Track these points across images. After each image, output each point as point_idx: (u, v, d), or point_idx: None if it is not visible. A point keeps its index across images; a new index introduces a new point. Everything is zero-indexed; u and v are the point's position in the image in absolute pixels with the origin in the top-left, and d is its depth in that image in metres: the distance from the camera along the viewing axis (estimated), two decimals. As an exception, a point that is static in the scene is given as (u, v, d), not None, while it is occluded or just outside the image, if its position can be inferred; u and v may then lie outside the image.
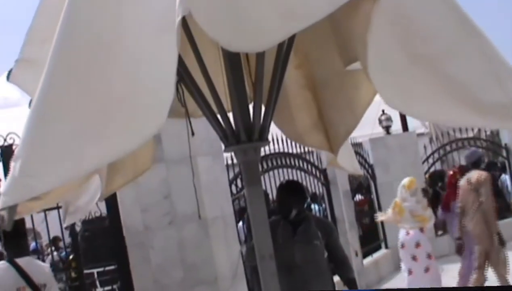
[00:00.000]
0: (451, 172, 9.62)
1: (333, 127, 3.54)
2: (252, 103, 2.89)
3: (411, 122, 15.92)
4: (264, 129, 2.87)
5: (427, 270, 8.44)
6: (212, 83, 2.85)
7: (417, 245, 8.42)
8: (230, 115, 2.92)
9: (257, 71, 2.83)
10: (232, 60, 2.87)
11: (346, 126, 3.46)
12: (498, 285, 7.91)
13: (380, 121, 12.84)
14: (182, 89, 3.11)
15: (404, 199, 8.49)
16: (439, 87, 2.15)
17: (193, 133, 3.42)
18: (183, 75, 2.94)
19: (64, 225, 3.45)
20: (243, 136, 2.83)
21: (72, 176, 2.27)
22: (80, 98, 1.98)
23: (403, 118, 13.65)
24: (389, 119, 12.58)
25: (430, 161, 13.96)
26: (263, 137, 2.86)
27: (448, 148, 14.12)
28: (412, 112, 2.44)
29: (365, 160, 12.56)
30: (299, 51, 3.41)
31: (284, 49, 2.88)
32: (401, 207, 8.51)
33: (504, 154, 14.05)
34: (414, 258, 8.45)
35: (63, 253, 9.04)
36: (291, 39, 2.89)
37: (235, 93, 2.86)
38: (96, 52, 1.99)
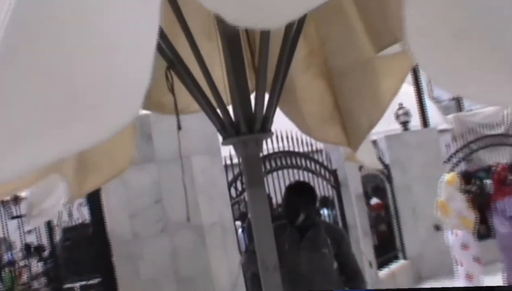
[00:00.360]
0: (498, 168, 9.53)
1: (354, 120, 3.57)
2: (254, 91, 2.90)
3: (432, 117, 15.93)
4: (267, 120, 2.87)
5: (469, 277, 8.42)
6: (206, 68, 2.85)
7: (465, 247, 8.42)
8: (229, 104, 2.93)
9: (261, 54, 2.83)
10: (231, 42, 2.87)
11: (370, 119, 3.48)
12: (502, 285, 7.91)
13: (397, 116, 12.83)
14: (172, 76, 3.13)
15: (450, 197, 8.44)
16: (493, 63, 2.14)
17: (179, 127, 3.41)
18: (173, 60, 2.95)
19: (27, 229, 3.50)
20: (243, 127, 2.84)
21: (29, 166, 2.27)
22: (44, 79, 1.96)
23: (422, 113, 13.65)
24: (407, 114, 12.57)
25: (454, 160, 13.93)
26: (265, 129, 2.87)
27: (474, 146, 14.10)
28: (461, 91, 2.43)
29: (380, 159, 12.55)
30: (315, 37, 3.44)
31: (294, 29, 2.88)
32: (448, 207, 8.49)
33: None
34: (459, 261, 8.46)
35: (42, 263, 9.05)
36: (302, 19, 2.90)
37: (234, 79, 2.86)
38: (65, 27, 1.97)
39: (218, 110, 2.89)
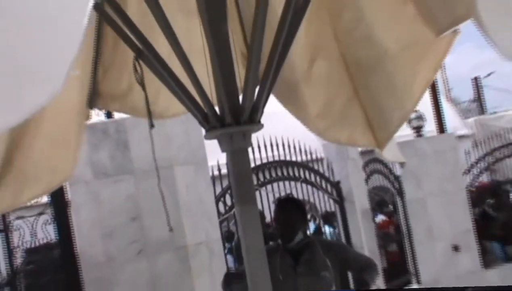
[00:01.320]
0: None
1: (383, 116, 3.70)
2: (244, 78, 2.95)
3: (450, 120, 16.01)
4: (257, 110, 2.92)
5: None
6: (183, 52, 2.89)
7: None
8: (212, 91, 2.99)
9: (254, 35, 2.88)
10: (214, 20, 2.93)
11: (402, 112, 3.66)
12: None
13: (409, 121, 12.90)
14: (141, 67, 3.18)
15: None
16: None
17: (152, 126, 3.47)
18: (141, 49, 3.02)
19: None
20: (229, 118, 2.89)
21: None
22: None
23: (438, 117, 13.71)
24: (420, 118, 12.64)
25: (475, 171, 14.01)
26: (254, 120, 2.92)
27: (498, 154, 14.20)
28: None
29: (390, 171, 12.62)
30: (327, 25, 3.61)
31: (293, 9, 2.94)
32: None
33: None
34: None
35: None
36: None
37: (219, 64, 2.90)
38: None
39: (198, 100, 2.94)
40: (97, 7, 3.23)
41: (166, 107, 3.89)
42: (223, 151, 3.01)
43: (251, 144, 3.02)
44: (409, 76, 3.50)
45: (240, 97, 2.94)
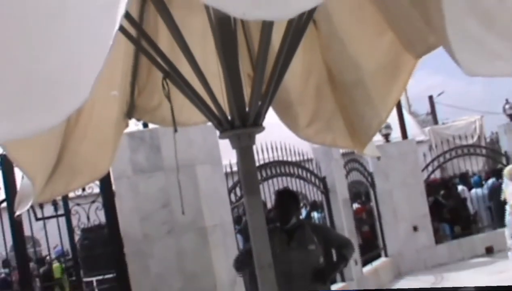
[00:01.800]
0: None
1: (364, 122, 3.72)
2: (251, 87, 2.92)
3: (410, 129, 15.98)
4: (259, 115, 2.91)
5: None
6: (202, 74, 2.85)
7: None
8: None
9: (259, 56, 2.83)
10: (225, 39, 2.87)
11: (379, 119, 3.67)
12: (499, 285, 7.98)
13: (380, 130, 12.85)
14: (168, 85, 3.16)
15: (506, 184, 9.59)
16: None
17: (175, 130, 3.45)
18: (168, 71, 2.99)
19: (16, 214, 3.48)
20: (238, 122, 2.87)
21: None
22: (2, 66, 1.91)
23: (402, 126, 13.66)
24: (388, 127, 12.60)
25: (430, 168, 13.96)
26: (257, 123, 2.90)
27: (447, 156, 14.14)
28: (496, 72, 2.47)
29: (365, 168, 12.58)
30: (321, 43, 3.53)
31: (303, 21, 2.88)
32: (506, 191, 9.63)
33: (504, 161, 14.06)
34: None
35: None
36: (305, 20, 2.91)
37: (230, 80, 2.88)
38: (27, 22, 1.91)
39: (214, 109, 2.92)
40: (134, 40, 3.20)
41: (189, 117, 3.85)
42: (233, 148, 2.99)
43: (254, 143, 2.99)
44: (385, 92, 3.49)
45: (247, 106, 2.92)
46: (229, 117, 2.91)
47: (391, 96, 3.48)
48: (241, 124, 2.87)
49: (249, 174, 2.97)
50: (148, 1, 3.52)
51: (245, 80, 3.32)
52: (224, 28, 2.88)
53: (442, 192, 14.35)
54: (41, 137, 2.96)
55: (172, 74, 2.99)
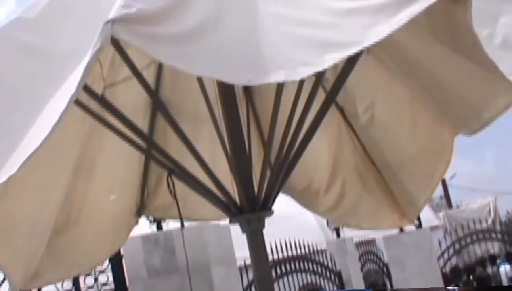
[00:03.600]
0: None
1: (412, 200, 3.94)
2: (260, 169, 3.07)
3: (425, 214, 15.92)
4: (268, 199, 2.99)
5: None
6: (208, 168, 2.98)
7: None
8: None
9: (269, 136, 2.96)
10: (233, 128, 3.08)
11: (425, 197, 3.91)
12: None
13: (393, 219, 12.87)
14: (173, 182, 3.29)
15: None
16: None
17: (182, 225, 3.60)
18: (172, 167, 3.12)
19: None
20: (246, 206, 2.96)
21: None
22: None
23: (415, 214, 13.69)
24: (401, 216, 12.61)
25: (446, 256, 13.87)
26: (267, 207, 2.98)
27: (463, 242, 14.06)
28: None
29: (380, 259, 12.52)
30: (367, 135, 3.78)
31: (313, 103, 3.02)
32: None
33: (521, 245, 13.98)
34: None
35: None
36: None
37: (238, 168, 2.99)
38: None
39: (222, 197, 3.01)
40: (143, 150, 3.34)
41: (202, 213, 4.02)
42: (243, 232, 3.08)
43: (264, 226, 3.07)
44: (429, 171, 3.74)
45: (256, 191, 3.01)
46: (238, 202, 3.00)
47: (436, 175, 3.72)
48: (250, 209, 2.96)
49: (260, 257, 3.03)
50: (157, 114, 3.69)
51: (254, 163, 3.42)
52: (231, 115, 3.02)
53: (464, 278, 14.21)
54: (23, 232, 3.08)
55: (176, 170, 3.13)
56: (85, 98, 3.04)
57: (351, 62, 2.88)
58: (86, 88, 2.82)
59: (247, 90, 3.92)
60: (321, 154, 3.93)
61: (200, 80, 3.04)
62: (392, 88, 3.50)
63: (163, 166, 3.34)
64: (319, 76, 2.90)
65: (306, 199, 4.09)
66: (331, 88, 3.23)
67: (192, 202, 3.76)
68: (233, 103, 3.10)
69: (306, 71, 1.76)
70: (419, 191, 3.85)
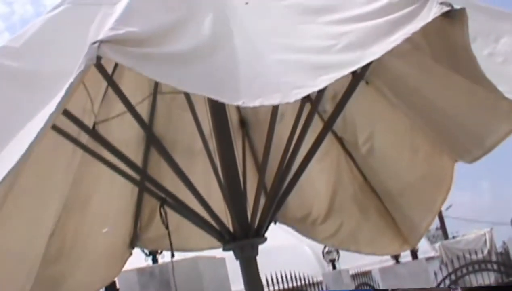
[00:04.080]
0: None
1: (414, 226, 3.95)
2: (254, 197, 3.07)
3: (421, 246, 15.93)
4: (262, 227, 3.02)
5: None
6: (201, 196, 3.03)
7: None
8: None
9: (262, 164, 3.02)
10: (226, 154, 3.11)
11: (427, 222, 3.91)
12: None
13: (389, 250, 12.89)
14: (165, 212, 3.33)
15: None
16: None
17: (172, 255, 3.63)
18: (164, 197, 3.17)
19: None
20: (240, 233, 2.99)
21: None
22: None
23: (411, 245, 13.70)
24: (397, 247, 12.64)
25: (442, 286, 13.84)
26: (260, 234, 3.01)
27: (459, 273, 14.05)
28: None
29: (376, 290, 12.51)
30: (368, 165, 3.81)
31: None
32: None
33: (517, 275, 13.99)
34: None
35: None
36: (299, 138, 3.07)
37: (230, 193, 3.04)
38: None
39: (215, 225, 3.05)
40: (137, 182, 3.40)
41: (196, 243, 4.05)
42: (236, 259, 3.09)
43: (257, 253, 3.07)
44: (430, 198, 3.76)
45: (249, 218, 3.06)
46: (231, 230, 3.04)
47: (437, 202, 3.74)
48: (243, 236, 2.99)
49: (254, 285, 3.05)
50: (151, 148, 3.76)
51: (248, 191, 3.48)
52: (225, 145, 3.08)
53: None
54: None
55: (169, 200, 3.18)
56: (75, 131, 3.12)
57: (348, 92, 2.96)
58: (76, 121, 2.90)
59: (243, 123, 3.99)
60: (320, 184, 3.99)
61: (194, 113, 3.09)
62: (391, 118, 3.56)
63: (156, 196, 3.39)
64: (315, 104, 2.99)
65: (305, 227, 4.14)
66: (328, 118, 3.33)
67: (186, 233, 3.81)
68: (227, 134, 3.15)
69: (301, 93, 1.79)
70: (420, 217, 3.90)
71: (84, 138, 3.18)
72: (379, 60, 2.98)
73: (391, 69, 3.23)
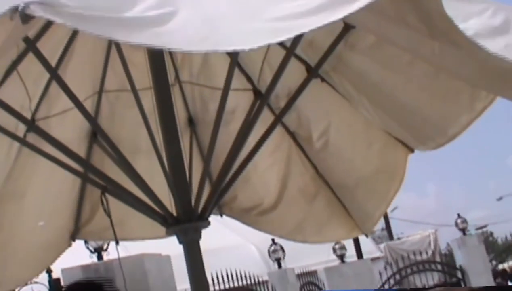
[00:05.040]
0: None
1: (367, 215, 4.11)
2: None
3: (366, 246, 16.21)
4: (206, 210, 3.10)
5: None
6: (144, 181, 3.09)
7: None
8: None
9: (209, 150, 3.11)
10: (170, 132, 3.18)
11: (380, 212, 4.10)
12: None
13: (334, 250, 13.07)
14: (106, 200, 3.38)
15: None
16: None
17: (117, 242, 3.69)
18: (105, 185, 3.24)
19: None
20: (183, 217, 3.08)
21: None
22: None
23: (357, 246, 13.93)
24: (343, 247, 12.85)
25: (386, 286, 14.10)
26: (203, 218, 3.08)
27: (403, 273, 14.35)
28: None
29: (321, 290, 12.66)
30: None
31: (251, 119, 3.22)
32: None
33: (459, 275, 14.34)
34: None
35: None
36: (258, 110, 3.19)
37: (173, 176, 3.11)
38: None
39: (158, 209, 3.12)
40: (79, 173, 3.45)
41: (140, 233, 4.10)
42: (180, 242, 3.14)
43: (201, 237, 3.15)
44: (384, 189, 3.91)
45: (193, 202, 3.13)
46: (175, 214, 3.10)
47: (390, 192, 3.90)
48: (187, 219, 3.06)
49: (196, 268, 3.11)
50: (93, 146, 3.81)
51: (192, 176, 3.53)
52: (169, 127, 3.15)
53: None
54: None
55: (110, 188, 3.23)
56: (12, 126, 3.16)
57: (301, 87, 3.15)
58: (15, 113, 2.95)
59: (191, 121, 4.05)
60: (269, 176, 4.10)
61: (141, 107, 3.13)
62: (346, 114, 3.69)
63: (98, 186, 3.44)
64: (265, 97, 3.20)
65: (252, 218, 4.24)
66: (280, 111, 3.51)
67: (130, 224, 3.87)
68: (173, 128, 3.20)
69: (229, 48, 1.77)
70: (374, 206, 4.06)
71: (21, 133, 3.24)
72: (340, 56, 3.10)
73: (353, 65, 3.35)
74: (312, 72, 3.31)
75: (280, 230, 4.35)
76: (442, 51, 2.50)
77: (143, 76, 3.25)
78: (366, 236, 4.62)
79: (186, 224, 3.08)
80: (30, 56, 3.06)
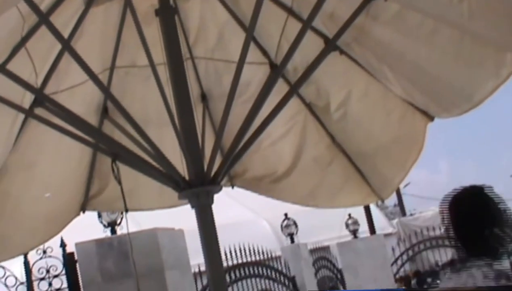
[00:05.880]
0: None
1: (386, 181, 4.19)
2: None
3: (378, 222, 16.25)
4: (218, 174, 3.13)
5: None
6: (156, 147, 3.13)
7: None
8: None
9: (223, 117, 3.13)
10: (184, 105, 3.21)
11: (398, 179, 4.14)
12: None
13: (347, 226, 13.12)
14: (118, 168, 3.41)
15: None
16: None
17: (127, 210, 3.72)
18: (116, 153, 3.27)
19: None
20: (195, 181, 3.10)
21: None
22: None
23: (370, 221, 13.94)
24: (355, 223, 12.88)
25: (399, 262, 14.17)
26: (215, 182, 3.11)
27: (416, 249, 14.39)
28: None
29: (333, 265, 12.72)
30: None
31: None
32: None
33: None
34: None
35: None
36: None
37: (186, 141, 3.14)
38: None
39: (170, 173, 3.15)
40: (90, 143, 3.48)
41: (152, 203, 4.15)
42: (192, 207, 3.16)
43: (213, 201, 3.17)
44: (403, 158, 3.94)
45: (205, 166, 3.15)
46: (187, 178, 3.12)
47: (409, 160, 3.92)
48: (199, 183, 3.08)
49: (208, 233, 3.14)
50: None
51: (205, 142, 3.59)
52: (185, 110, 3.17)
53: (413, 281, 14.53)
54: None
55: (121, 154, 3.26)
56: (19, 98, 3.19)
57: (318, 58, 3.17)
58: (24, 83, 2.99)
59: (204, 97, 4.07)
60: (283, 145, 4.14)
61: (158, 80, 3.16)
62: (365, 85, 3.72)
63: (107, 153, 3.47)
64: (280, 68, 3.28)
65: (264, 186, 4.29)
66: (295, 82, 3.56)
67: (141, 194, 3.91)
68: (187, 101, 3.22)
69: None
70: (393, 174, 4.09)
71: (27, 105, 3.30)
72: (361, 28, 3.14)
73: (375, 36, 3.36)
74: (329, 43, 3.31)
75: (292, 196, 4.38)
76: (472, 13, 2.52)
77: (155, 52, 3.26)
78: (382, 201, 4.66)
79: (199, 187, 3.09)
80: (38, 33, 3.10)
